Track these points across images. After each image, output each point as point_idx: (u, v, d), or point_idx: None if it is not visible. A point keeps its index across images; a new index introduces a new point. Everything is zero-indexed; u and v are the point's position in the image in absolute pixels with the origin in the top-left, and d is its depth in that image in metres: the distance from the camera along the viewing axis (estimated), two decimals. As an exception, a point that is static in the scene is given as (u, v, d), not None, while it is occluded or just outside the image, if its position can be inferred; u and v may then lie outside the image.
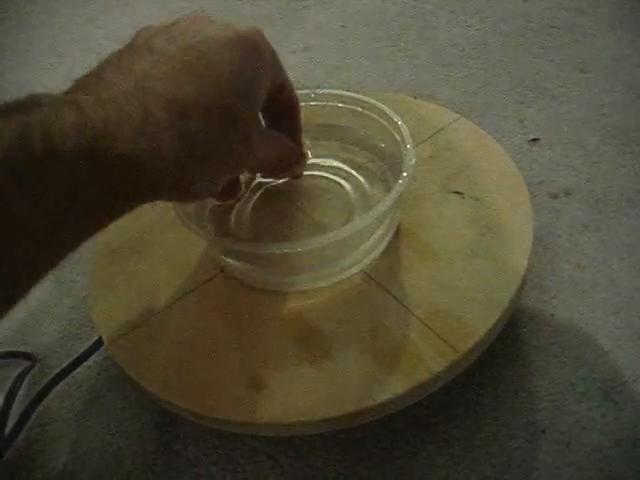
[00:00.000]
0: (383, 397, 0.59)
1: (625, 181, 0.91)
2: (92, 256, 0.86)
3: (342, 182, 0.77)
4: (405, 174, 0.64)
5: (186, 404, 0.62)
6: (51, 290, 0.93)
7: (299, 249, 0.61)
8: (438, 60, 1.18)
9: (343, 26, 1.33)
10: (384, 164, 0.76)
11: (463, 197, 0.75)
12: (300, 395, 0.61)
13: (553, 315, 0.77)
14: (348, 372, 0.62)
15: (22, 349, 0.87)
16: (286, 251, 0.62)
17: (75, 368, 0.79)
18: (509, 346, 0.74)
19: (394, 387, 0.60)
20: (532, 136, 1.00)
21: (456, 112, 0.89)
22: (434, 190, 0.76)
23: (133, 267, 0.77)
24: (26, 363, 0.84)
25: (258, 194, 0.78)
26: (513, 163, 0.79)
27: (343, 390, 0.60)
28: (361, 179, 0.77)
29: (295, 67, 1.23)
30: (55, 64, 1.40)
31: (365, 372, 0.61)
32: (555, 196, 0.91)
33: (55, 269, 0.47)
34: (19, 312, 0.91)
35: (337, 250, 0.66)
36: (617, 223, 0.86)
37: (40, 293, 0.92)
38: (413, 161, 0.66)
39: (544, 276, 0.81)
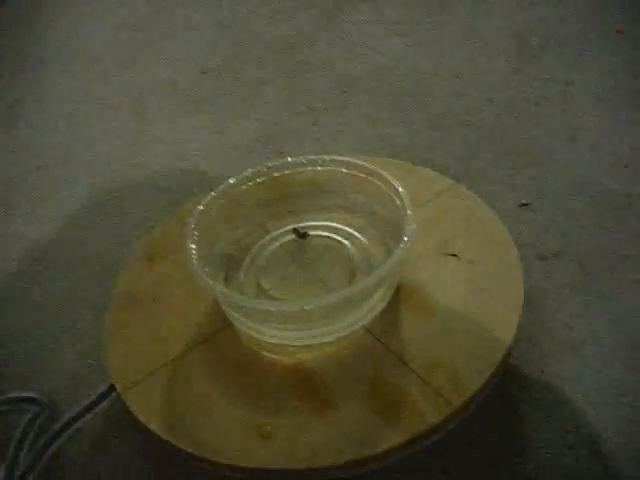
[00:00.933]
0: (383, 447, 0.64)
1: (610, 244, 0.97)
2: (102, 305, 0.91)
3: (345, 242, 0.82)
4: (406, 239, 0.70)
5: (198, 451, 0.66)
6: (59, 336, 0.97)
7: (306, 307, 0.66)
8: (434, 126, 1.25)
9: (344, 91, 1.40)
10: (384, 227, 0.82)
11: (458, 259, 0.80)
12: (305, 444, 0.65)
13: (543, 371, 0.82)
14: (350, 422, 0.66)
15: (30, 394, 0.90)
16: (293, 309, 0.67)
17: (85, 414, 0.83)
18: (500, 399, 0.78)
19: (393, 437, 0.64)
20: (523, 201, 1.06)
21: (451, 177, 0.95)
22: (431, 252, 0.81)
23: (146, 317, 0.81)
24: (35, 408, 0.88)
25: (267, 251, 0.83)
26: (505, 228, 0.84)
27: (346, 439, 0.64)
28: (363, 240, 0.82)
29: (298, 129, 1.30)
30: (68, 115, 1.46)
31: (366, 423, 0.66)
32: (544, 258, 0.96)
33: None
34: (28, 355, 0.95)
35: (340, 308, 0.71)
36: (602, 284, 0.91)
37: (49, 338, 0.97)
38: (413, 226, 0.71)
39: (534, 334, 0.85)
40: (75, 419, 0.83)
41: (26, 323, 1.01)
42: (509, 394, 0.79)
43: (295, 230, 0.84)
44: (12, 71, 1.72)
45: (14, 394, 0.90)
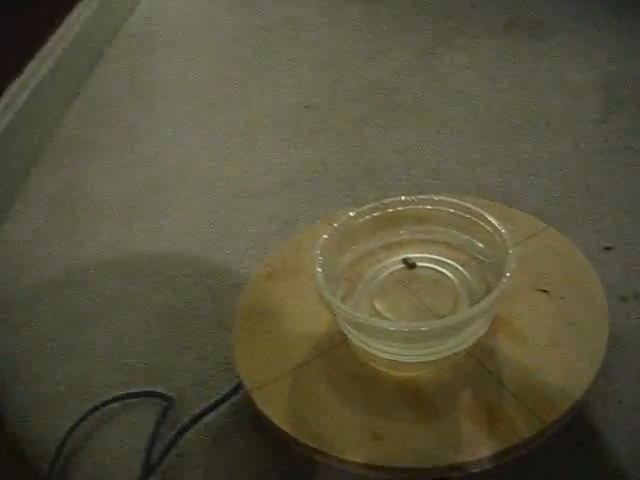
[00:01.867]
0: (480, 454, 0.74)
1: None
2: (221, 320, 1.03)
3: (449, 275, 0.93)
4: (508, 274, 0.80)
5: (318, 445, 0.78)
6: (178, 341, 1.10)
7: (422, 329, 0.77)
8: (525, 169, 1.35)
9: (437, 132, 1.51)
10: (485, 263, 0.92)
11: (549, 295, 0.90)
12: (413, 446, 0.76)
13: (620, 402, 0.90)
14: (452, 431, 0.76)
15: (159, 389, 1.03)
16: (409, 329, 0.78)
17: (214, 409, 0.96)
18: (580, 425, 0.87)
19: (489, 447, 0.74)
20: (607, 244, 1.14)
21: (541, 220, 1.05)
22: (525, 287, 0.91)
23: (269, 330, 0.94)
24: (163, 403, 1.01)
25: (379, 278, 0.95)
26: (592, 269, 0.94)
27: (448, 445, 0.75)
28: (465, 273, 0.93)
29: (397, 165, 1.41)
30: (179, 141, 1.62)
31: (466, 432, 0.76)
32: (625, 299, 1.05)
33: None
34: (156, 358, 1.09)
35: (447, 332, 0.82)
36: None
37: (172, 345, 1.10)
38: (513, 265, 0.82)
39: (613, 368, 0.94)
40: (205, 412, 0.95)
41: (152, 327, 1.15)
42: (588, 420, 0.87)
43: (405, 260, 0.96)
44: (132, 95, 1.90)
45: (144, 389, 1.04)
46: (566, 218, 1.20)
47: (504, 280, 0.80)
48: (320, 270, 0.86)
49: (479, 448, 0.74)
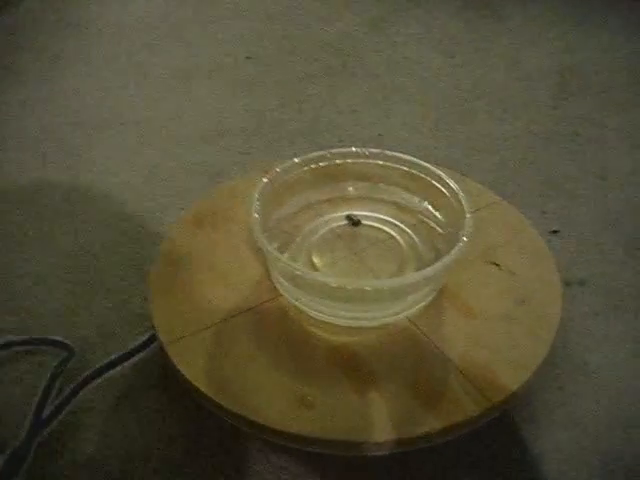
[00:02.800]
0: (421, 430, 0.66)
1: (634, 278, 1.01)
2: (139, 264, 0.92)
3: (396, 236, 0.85)
4: (465, 238, 0.73)
5: (240, 410, 0.68)
6: (88, 287, 0.99)
7: (366, 287, 0.69)
8: (473, 145, 1.28)
9: (385, 98, 1.44)
10: (436, 230, 0.85)
11: (500, 269, 0.83)
12: (346, 418, 0.67)
13: (561, 388, 0.85)
14: (391, 404, 0.68)
15: (59, 337, 0.91)
16: (352, 287, 0.70)
17: (120, 363, 0.85)
18: (522, 409, 0.81)
19: (431, 423, 0.67)
20: (553, 228, 1.09)
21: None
22: (476, 259, 0.84)
23: (191, 279, 0.83)
24: (63, 353, 0.89)
25: (319, 232, 0.86)
26: (546, 247, 0.88)
27: (385, 419, 0.67)
28: (414, 237, 0.85)
29: (341, 126, 1.33)
30: (108, 79, 1.48)
31: (405, 406, 0.68)
32: (569, 284, 1.00)
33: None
34: (58, 303, 0.97)
35: (390, 295, 0.74)
36: (624, 314, 0.95)
37: (80, 290, 0.98)
38: (471, 230, 0.74)
39: (555, 354, 0.89)
40: (106, 368, 0.84)
41: (58, 270, 1.02)
42: (530, 405, 0.82)
43: (349, 217, 0.87)
44: (58, 25, 1.73)
45: (42, 336, 0.91)
46: (512, 198, 1.15)
47: (460, 244, 0.73)
48: (257, 216, 0.77)
49: (420, 424, 0.67)
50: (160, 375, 0.85)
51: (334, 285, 0.70)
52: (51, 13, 1.81)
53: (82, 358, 0.89)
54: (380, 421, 0.67)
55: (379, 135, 1.31)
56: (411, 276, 0.71)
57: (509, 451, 0.77)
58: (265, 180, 0.82)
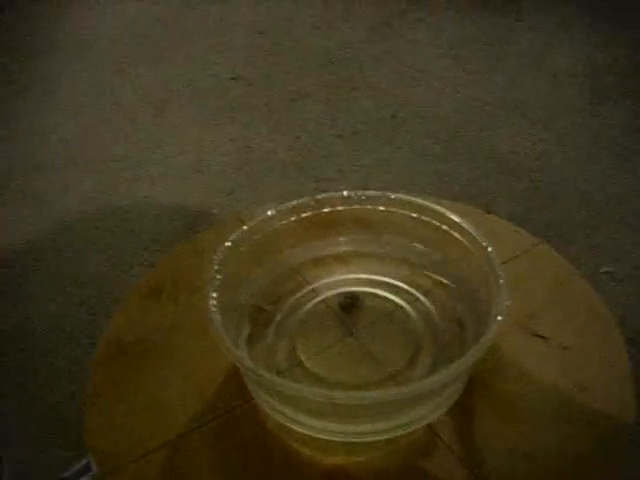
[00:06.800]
0: None
1: None
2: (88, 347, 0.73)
3: (406, 307, 0.65)
4: (499, 318, 0.53)
5: None
6: (33, 377, 0.80)
7: (364, 402, 0.48)
8: (497, 166, 1.08)
9: (393, 116, 1.24)
10: (458, 291, 0.64)
11: (547, 342, 0.63)
12: None
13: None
14: None
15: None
16: (344, 402, 0.50)
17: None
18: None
19: None
20: (605, 268, 0.89)
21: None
22: (513, 330, 0.64)
23: (142, 377, 0.64)
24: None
25: (305, 309, 0.66)
26: (602, 303, 0.67)
27: None
28: (428, 305, 0.64)
29: (341, 153, 1.13)
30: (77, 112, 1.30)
31: None
32: (634, 342, 0.79)
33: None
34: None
35: (403, 404, 0.53)
36: None
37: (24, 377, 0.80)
38: (507, 303, 0.54)
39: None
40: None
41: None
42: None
43: (344, 295, 0.66)
44: (25, 55, 1.56)
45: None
46: (548, 233, 0.94)
47: (493, 327, 0.52)
48: (215, 295, 0.57)
49: None
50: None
51: (319, 399, 0.50)
52: (21, 40, 1.64)
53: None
54: None
55: (385, 161, 1.11)
56: (427, 381, 0.51)
57: None
58: (228, 243, 0.62)
